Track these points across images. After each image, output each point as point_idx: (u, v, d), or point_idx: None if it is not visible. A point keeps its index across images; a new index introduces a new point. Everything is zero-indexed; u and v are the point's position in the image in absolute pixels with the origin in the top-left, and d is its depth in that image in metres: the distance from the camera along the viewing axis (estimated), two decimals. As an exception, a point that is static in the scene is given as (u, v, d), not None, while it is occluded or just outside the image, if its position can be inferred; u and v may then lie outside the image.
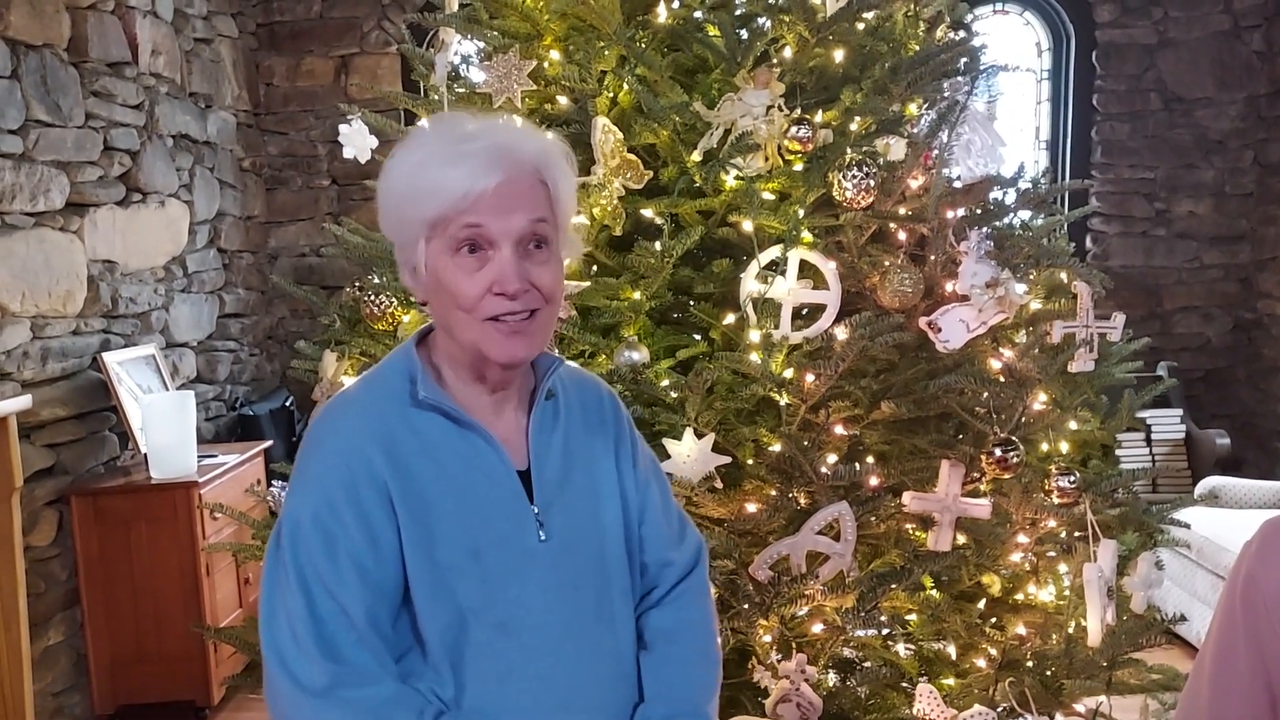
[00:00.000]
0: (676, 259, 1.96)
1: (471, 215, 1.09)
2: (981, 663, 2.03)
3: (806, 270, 1.94)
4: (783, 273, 1.91)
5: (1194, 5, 5.02)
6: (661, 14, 2.09)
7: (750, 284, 1.93)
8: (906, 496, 1.87)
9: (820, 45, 2.05)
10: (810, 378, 1.85)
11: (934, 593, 2.03)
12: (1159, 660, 2.14)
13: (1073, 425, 2.20)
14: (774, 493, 1.90)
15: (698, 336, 2.07)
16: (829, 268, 1.93)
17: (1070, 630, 2.04)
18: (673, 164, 2.06)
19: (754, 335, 1.90)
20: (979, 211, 2.10)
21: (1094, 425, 2.26)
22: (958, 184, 2.14)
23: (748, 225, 1.94)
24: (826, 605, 1.87)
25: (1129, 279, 5.13)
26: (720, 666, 1.36)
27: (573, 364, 1.35)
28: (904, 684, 2.00)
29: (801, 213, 1.94)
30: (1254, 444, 5.03)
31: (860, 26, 2.11)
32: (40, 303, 3.25)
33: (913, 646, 2.07)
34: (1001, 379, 1.95)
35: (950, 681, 2.04)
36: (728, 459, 1.87)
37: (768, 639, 1.88)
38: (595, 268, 2.08)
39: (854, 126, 2.06)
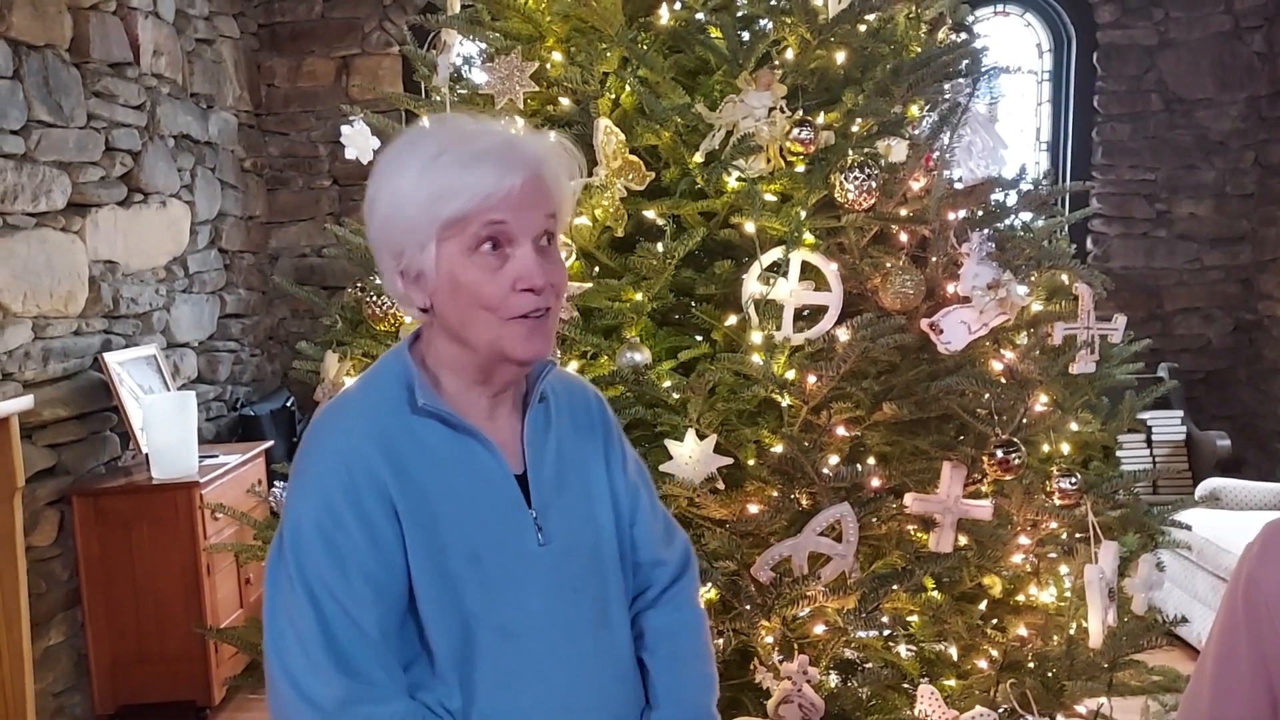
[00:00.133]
0: (678, 260, 1.96)
1: (494, 213, 1.08)
2: (983, 664, 2.03)
3: (808, 272, 1.94)
4: (784, 274, 1.91)
5: (1195, 6, 5.02)
6: (663, 16, 2.10)
7: (752, 285, 1.93)
8: (908, 498, 1.87)
9: (822, 47, 2.05)
10: (812, 379, 1.85)
11: (935, 594, 2.04)
12: (1160, 662, 2.14)
13: (1074, 427, 2.20)
14: (776, 494, 1.90)
15: (699, 338, 2.07)
16: (831, 269, 1.93)
17: (1071, 632, 2.04)
18: (675, 165, 2.06)
19: (756, 337, 1.91)
20: (980, 213, 2.10)
21: (1095, 427, 2.27)
22: (959, 186, 2.15)
23: (749, 227, 1.94)
24: (828, 606, 1.88)
25: (1129, 280, 5.13)
26: (714, 664, 1.37)
27: (560, 367, 1.35)
28: (905, 685, 2.00)
29: (803, 214, 1.95)
30: (1255, 445, 5.03)
31: (862, 28, 2.11)
32: (42, 303, 3.25)
33: (914, 648, 2.07)
34: (1003, 380, 1.95)
35: (951, 683, 2.04)
36: (729, 460, 1.87)
37: (769, 640, 1.88)
38: (597, 269, 2.08)
39: (855, 128, 2.06)
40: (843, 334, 1.88)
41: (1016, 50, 5.25)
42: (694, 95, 2.06)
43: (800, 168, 2.00)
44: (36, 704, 3.01)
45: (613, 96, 2.07)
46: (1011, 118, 5.11)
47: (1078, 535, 2.05)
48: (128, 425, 3.52)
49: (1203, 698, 1.02)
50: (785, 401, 1.90)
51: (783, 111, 1.96)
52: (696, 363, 1.98)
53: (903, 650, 2.07)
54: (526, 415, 1.20)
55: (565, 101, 2.13)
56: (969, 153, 2.17)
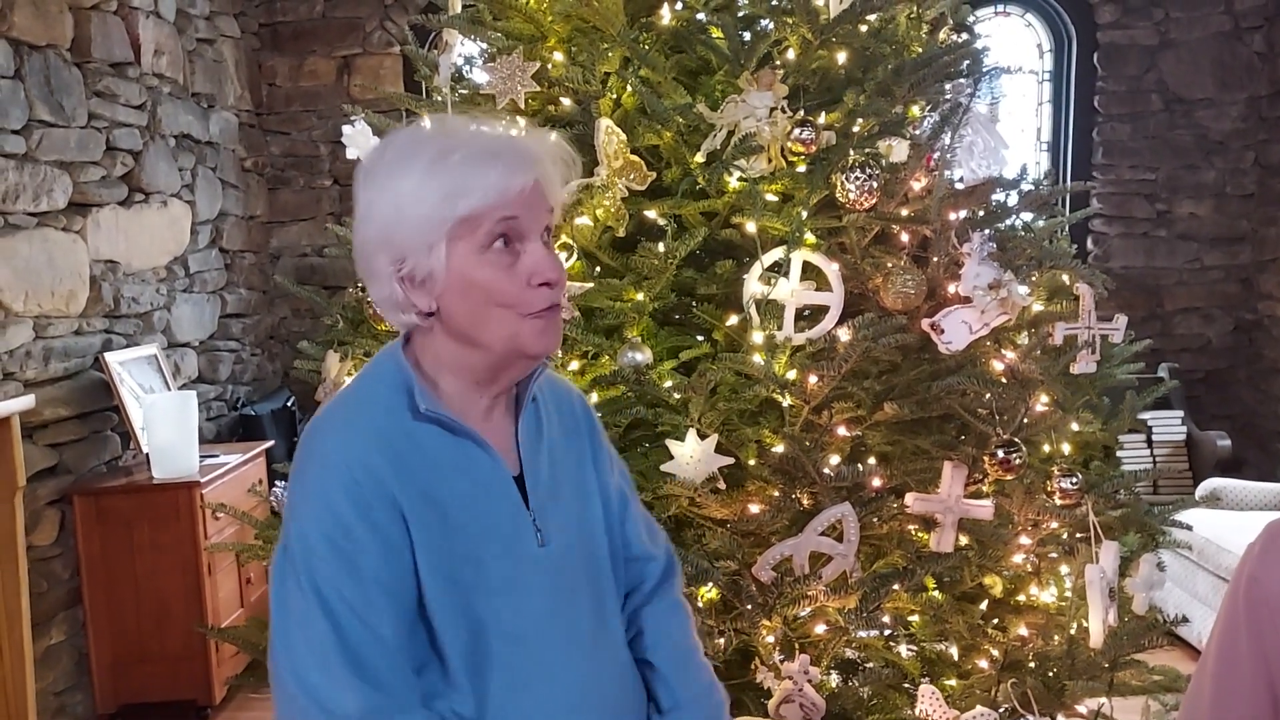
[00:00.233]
0: (680, 260, 1.96)
1: (507, 209, 1.08)
2: (984, 664, 2.03)
3: (809, 272, 1.94)
4: (786, 274, 1.91)
5: (1195, 6, 5.02)
6: (665, 16, 2.10)
7: (753, 285, 1.93)
8: (909, 497, 1.88)
9: (823, 47, 2.05)
10: (813, 379, 1.85)
11: (936, 594, 2.04)
12: (1160, 661, 2.14)
13: (1075, 426, 2.20)
14: (777, 494, 1.90)
15: (701, 338, 2.07)
16: (832, 269, 1.93)
17: (1072, 631, 2.04)
18: (676, 165, 2.07)
19: (757, 336, 1.91)
20: (981, 213, 2.10)
21: (1096, 427, 2.27)
22: (960, 186, 2.15)
23: (751, 227, 1.94)
24: (829, 606, 1.88)
25: (1130, 280, 5.13)
26: None
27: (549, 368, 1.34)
28: (906, 685, 2.00)
29: (804, 214, 1.95)
30: (1255, 445, 5.03)
31: (863, 28, 2.11)
32: (43, 302, 3.25)
33: (915, 647, 2.07)
34: (1004, 380, 1.96)
35: (952, 682, 2.04)
36: (731, 460, 1.87)
37: (770, 639, 1.89)
38: (599, 269, 2.08)
39: (857, 128, 2.06)
40: (844, 334, 1.89)
41: (1017, 50, 5.25)
42: (695, 95, 2.06)
43: (801, 168, 2.00)
44: (38, 703, 3.01)
45: (614, 96, 2.07)
46: (1012, 118, 5.11)
47: (1078, 535, 2.05)
48: (128, 425, 3.53)
49: (1204, 697, 1.02)
50: (786, 401, 1.90)
51: (784, 111, 1.96)
52: (698, 362, 1.98)
53: (904, 650, 2.07)
54: (520, 417, 1.20)
55: (567, 101, 2.13)
56: (970, 153, 2.17)
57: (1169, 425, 4.86)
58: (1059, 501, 1.97)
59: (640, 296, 1.98)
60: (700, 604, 1.90)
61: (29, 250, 3.18)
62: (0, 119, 3.05)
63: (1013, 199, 2.25)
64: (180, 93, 4.24)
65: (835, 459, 1.92)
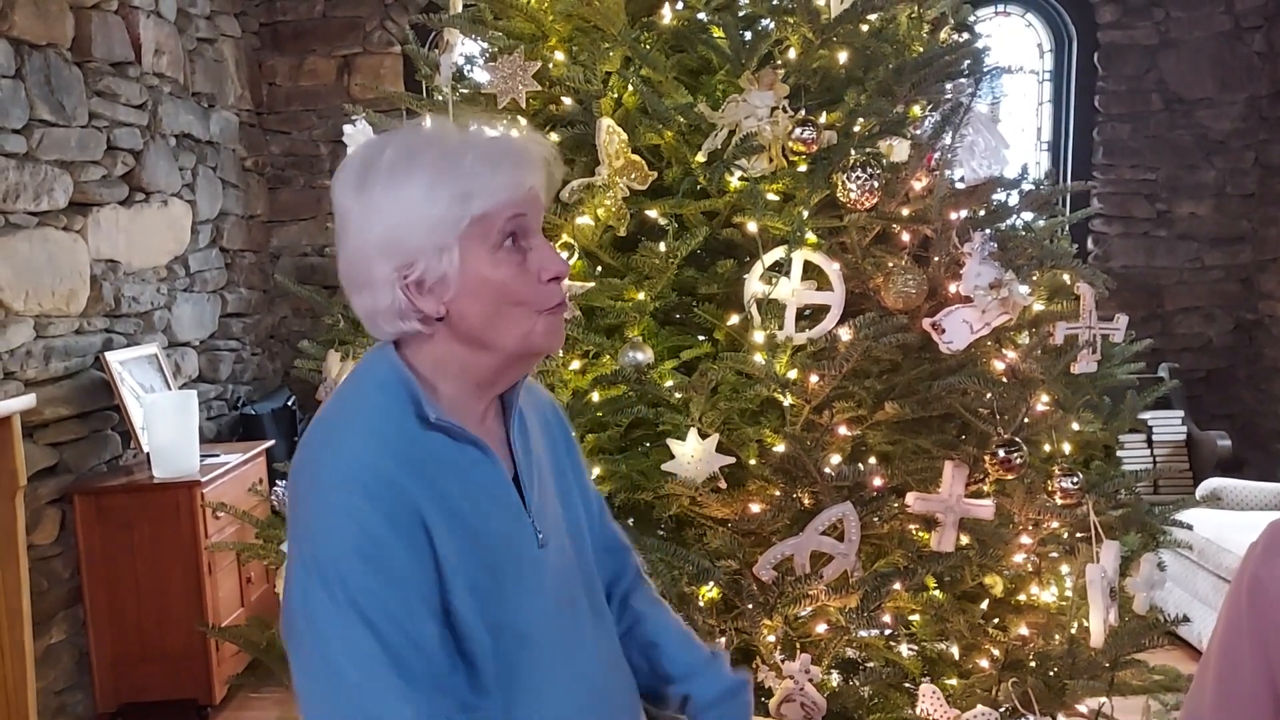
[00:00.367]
0: (681, 260, 1.96)
1: (517, 207, 1.09)
2: (984, 663, 2.03)
3: (810, 271, 1.94)
4: (787, 274, 1.92)
5: (1195, 6, 5.02)
6: (666, 15, 2.10)
7: (754, 285, 1.93)
8: (910, 497, 1.88)
9: (824, 47, 2.05)
10: (814, 378, 1.86)
11: (937, 593, 2.04)
12: (1161, 661, 2.14)
13: (1075, 426, 2.20)
14: (778, 493, 1.91)
15: (702, 337, 2.07)
16: (833, 269, 1.93)
17: (1073, 631, 2.04)
18: (677, 165, 2.07)
19: (758, 336, 1.91)
20: (982, 213, 2.10)
21: (1096, 426, 2.27)
22: (961, 185, 2.15)
23: (752, 226, 1.95)
24: (830, 605, 1.88)
25: (1130, 280, 5.13)
26: None
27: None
28: (907, 684, 2.00)
29: (805, 214, 1.95)
30: (1255, 445, 5.03)
31: (864, 28, 2.11)
32: (43, 302, 3.25)
33: (916, 647, 2.08)
34: (1004, 380, 1.96)
35: (953, 682, 2.04)
36: (732, 459, 1.88)
37: (772, 639, 1.89)
38: (600, 268, 2.08)
39: (858, 128, 2.06)
40: (845, 333, 1.89)
41: (1018, 50, 5.26)
42: (696, 95, 2.06)
43: (802, 167, 2.00)
44: (38, 702, 3.01)
45: (615, 96, 2.07)
46: (1012, 118, 5.11)
47: (1079, 535, 2.05)
48: (129, 424, 3.53)
49: (1206, 697, 1.02)
50: (787, 401, 1.90)
51: (785, 111, 1.96)
52: (699, 362, 1.98)
53: (904, 649, 2.07)
54: (511, 419, 1.20)
55: (568, 101, 2.13)
56: (971, 152, 2.17)
57: (1169, 425, 4.86)
58: (1060, 501, 1.97)
59: (641, 296, 1.98)
60: (701, 603, 1.90)
61: (30, 249, 3.18)
62: (1, 118, 3.05)
63: (1013, 199, 2.25)
64: (181, 92, 4.24)
65: (836, 458, 1.92)
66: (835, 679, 2.02)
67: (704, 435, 1.86)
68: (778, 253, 1.93)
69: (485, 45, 2.25)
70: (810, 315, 1.97)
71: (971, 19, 2.54)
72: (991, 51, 2.33)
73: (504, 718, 1.09)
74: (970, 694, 1.98)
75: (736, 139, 1.96)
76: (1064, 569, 2.14)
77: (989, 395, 1.94)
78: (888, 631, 2.04)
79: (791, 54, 2.06)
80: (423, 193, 1.06)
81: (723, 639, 1.85)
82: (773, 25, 2.09)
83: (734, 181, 2.00)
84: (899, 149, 2.08)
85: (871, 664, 2.05)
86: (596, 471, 1.94)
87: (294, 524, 1.07)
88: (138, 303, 3.86)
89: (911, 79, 2.07)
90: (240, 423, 4.58)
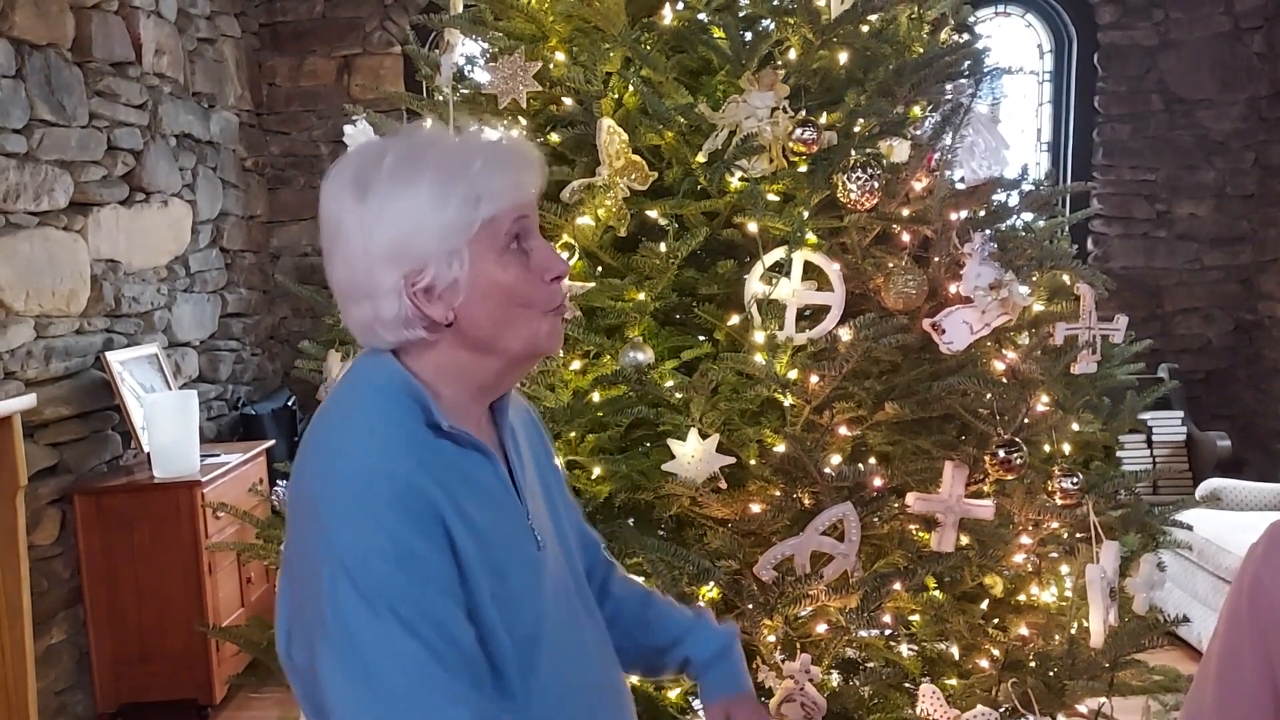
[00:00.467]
0: (681, 260, 1.96)
1: (520, 209, 1.09)
2: (984, 663, 2.03)
3: (810, 272, 1.94)
4: (787, 274, 1.92)
5: (1195, 7, 5.02)
6: (666, 16, 2.10)
7: (755, 285, 1.93)
8: (910, 497, 1.88)
9: (825, 47, 2.05)
10: (814, 379, 1.86)
11: (937, 593, 2.04)
12: (1160, 661, 2.14)
13: (1075, 427, 2.20)
14: (778, 493, 1.91)
15: (702, 337, 2.07)
16: (833, 269, 1.93)
17: (1073, 631, 2.04)
18: (677, 165, 2.07)
19: (758, 336, 1.91)
20: (982, 213, 2.10)
21: (1096, 427, 2.27)
22: (961, 186, 2.15)
23: (752, 227, 1.95)
24: (830, 605, 1.88)
25: (1130, 280, 5.14)
26: None
27: None
28: (907, 684, 2.00)
29: (806, 214, 1.95)
30: (1255, 446, 5.04)
31: (864, 29, 2.11)
32: (44, 302, 3.26)
33: (916, 647, 2.08)
34: (1004, 380, 1.96)
35: (953, 682, 2.04)
36: (732, 459, 1.88)
37: (772, 639, 1.89)
38: (600, 268, 2.08)
39: (858, 128, 2.06)
40: (845, 334, 1.89)
41: (1017, 51, 5.26)
42: (697, 95, 2.06)
43: (803, 168, 2.00)
44: (39, 702, 3.01)
45: (615, 96, 2.07)
46: (1012, 118, 5.12)
47: (1079, 535, 2.05)
48: (129, 424, 3.53)
49: (1206, 698, 1.02)
50: (787, 401, 1.90)
51: (785, 111, 1.96)
52: (699, 362, 1.98)
53: (904, 649, 2.07)
54: (503, 422, 1.20)
55: (568, 101, 2.13)
56: (971, 153, 2.17)
57: (1169, 425, 4.86)
58: (1059, 501, 1.97)
59: (642, 296, 1.98)
60: (702, 603, 1.90)
61: (30, 250, 3.18)
62: (1, 118, 3.06)
63: (1013, 199, 2.25)
64: (181, 92, 4.25)
65: (836, 459, 1.92)
66: (835, 679, 2.02)
67: (704, 435, 1.86)
68: (778, 253, 1.93)
69: (486, 46, 2.25)
70: (810, 316, 1.97)
71: (971, 20, 2.54)
72: (991, 52, 2.33)
73: None
74: (970, 694, 1.98)
75: (737, 139, 1.96)
76: (1064, 569, 2.14)
77: (989, 396, 1.94)
78: (888, 632, 2.04)
79: (792, 54, 2.06)
80: (432, 198, 1.04)
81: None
82: (773, 26, 2.09)
83: (734, 182, 2.00)
84: (899, 149, 2.08)
85: (871, 664, 2.05)
86: (597, 471, 1.94)
87: (310, 539, 1.02)
88: (138, 303, 3.86)
89: (912, 79, 2.07)
90: (240, 423, 4.58)
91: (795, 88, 2.00)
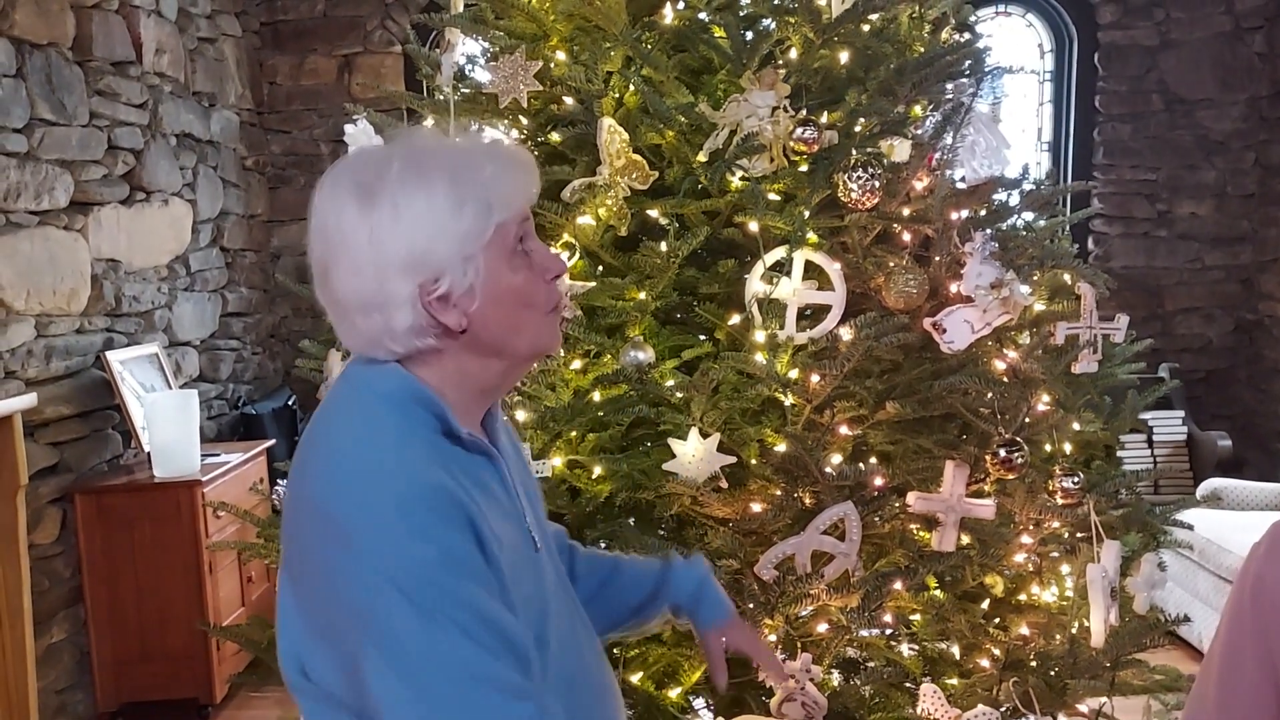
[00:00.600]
0: (682, 259, 1.96)
1: (524, 213, 1.10)
2: (985, 663, 2.03)
3: (811, 271, 1.94)
4: (788, 273, 1.92)
5: (1196, 6, 5.02)
6: (667, 15, 2.10)
7: (755, 284, 1.93)
8: (911, 497, 1.88)
9: (825, 47, 2.05)
10: (815, 378, 1.86)
11: (938, 593, 2.04)
12: (1161, 661, 2.14)
13: (1076, 426, 2.20)
14: (779, 492, 1.91)
15: (703, 337, 2.07)
16: (834, 268, 1.93)
17: (1073, 631, 2.04)
18: (678, 165, 2.07)
19: (759, 335, 1.91)
20: (983, 213, 2.10)
21: (1097, 426, 2.27)
22: (962, 185, 2.15)
23: (753, 226, 1.95)
24: (831, 605, 1.88)
25: (1130, 280, 5.14)
26: None
27: None
28: (908, 684, 2.00)
29: (807, 214, 1.95)
30: (1255, 445, 5.04)
31: (865, 28, 2.11)
32: (44, 301, 3.26)
33: (917, 646, 2.08)
34: (1005, 380, 1.96)
35: (954, 681, 2.04)
36: (733, 459, 1.88)
37: (773, 638, 1.89)
38: (601, 268, 2.08)
39: (859, 128, 2.06)
40: (846, 333, 1.89)
41: (1018, 50, 5.26)
42: (698, 94, 2.06)
43: (804, 167, 2.00)
44: (39, 701, 3.01)
45: (616, 96, 2.07)
46: (1013, 118, 5.12)
47: (1080, 534, 2.05)
48: (130, 423, 3.53)
49: (1209, 697, 1.02)
50: (788, 400, 1.90)
51: (786, 111, 1.96)
52: (700, 361, 1.98)
53: (905, 649, 2.07)
54: (494, 423, 1.19)
55: (569, 101, 2.13)
56: (972, 152, 2.17)
57: (1170, 425, 4.86)
58: (1060, 501, 1.97)
59: (642, 295, 1.98)
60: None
61: (31, 249, 3.18)
62: (2, 117, 3.06)
63: (1014, 199, 2.25)
64: (181, 91, 4.25)
65: (837, 458, 1.92)
66: (836, 678, 2.02)
67: (705, 435, 1.86)
68: (779, 252, 1.93)
69: (486, 45, 2.25)
70: (811, 315, 1.97)
71: (972, 19, 2.54)
72: (992, 52, 2.33)
73: None
74: (971, 693, 1.98)
75: (738, 139, 1.96)
76: (1065, 569, 2.14)
77: (990, 395, 1.94)
78: (889, 631, 2.04)
79: (793, 54, 2.06)
80: (449, 204, 1.03)
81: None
82: (774, 25, 2.08)
83: (735, 181, 2.00)
84: (900, 149, 2.08)
85: (872, 663, 2.05)
86: (598, 470, 1.94)
87: (343, 563, 0.99)
88: (138, 302, 3.86)
89: (913, 79, 2.07)
90: (241, 422, 4.58)
91: (796, 87, 2.00)
